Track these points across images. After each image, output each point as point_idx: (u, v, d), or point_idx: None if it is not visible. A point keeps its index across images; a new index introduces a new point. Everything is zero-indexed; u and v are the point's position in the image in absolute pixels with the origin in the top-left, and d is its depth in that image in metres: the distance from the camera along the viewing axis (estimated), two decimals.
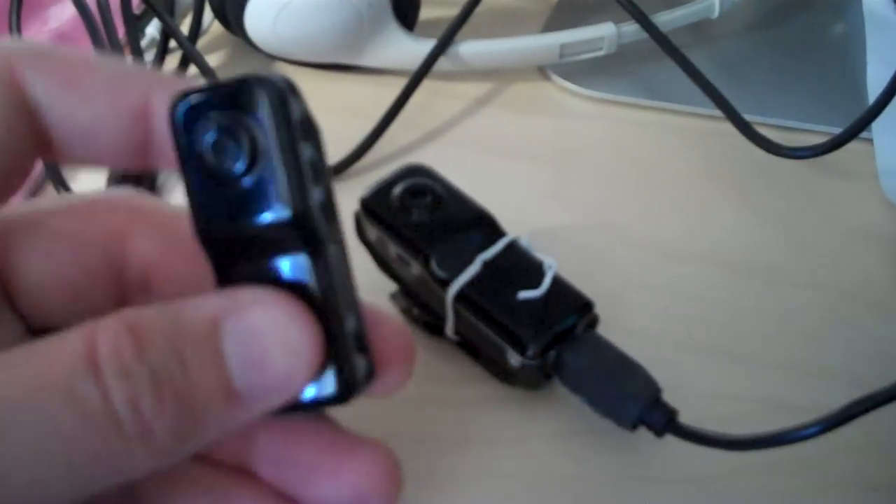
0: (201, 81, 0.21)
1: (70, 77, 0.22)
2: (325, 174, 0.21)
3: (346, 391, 0.21)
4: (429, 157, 0.36)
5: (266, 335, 0.20)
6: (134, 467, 0.19)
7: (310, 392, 0.21)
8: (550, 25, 0.53)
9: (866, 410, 0.28)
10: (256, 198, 0.20)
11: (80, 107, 0.22)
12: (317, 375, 0.21)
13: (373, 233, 0.34)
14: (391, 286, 0.36)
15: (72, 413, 0.18)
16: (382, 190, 0.34)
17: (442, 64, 0.47)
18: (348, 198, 0.35)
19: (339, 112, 0.48)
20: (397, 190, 0.34)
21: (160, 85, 0.22)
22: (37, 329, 0.23)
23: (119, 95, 0.22)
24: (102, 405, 0.18)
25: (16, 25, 0.46)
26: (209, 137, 0.20)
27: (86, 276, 0.23)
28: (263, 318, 0.20)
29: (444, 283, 0.32)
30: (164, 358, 0.19)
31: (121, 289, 0.24)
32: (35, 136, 0.22)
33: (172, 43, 0.49)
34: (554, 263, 0.32)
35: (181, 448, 0.19)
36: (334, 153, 0.43)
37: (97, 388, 0.18)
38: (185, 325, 0.20)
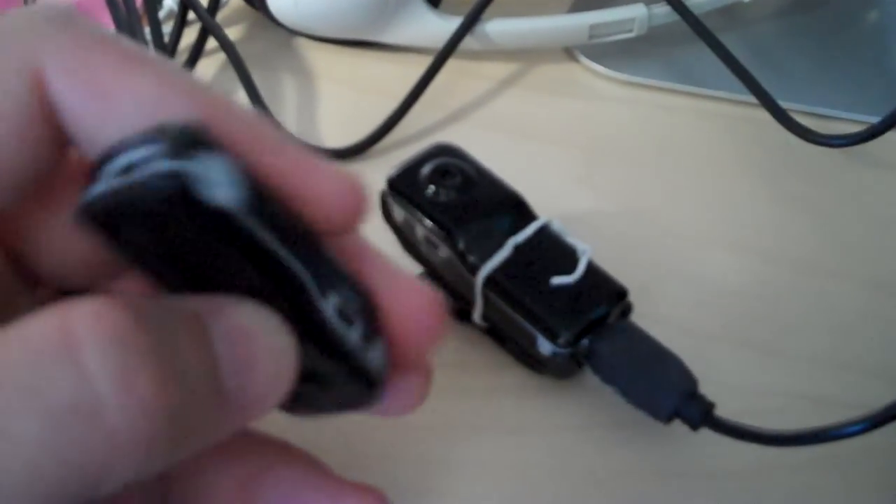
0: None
1: (103, 90, 0.19)
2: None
3: (367, 391, 0.20)
4: (453, 138, 0.35)
5: (256, 337, 0.19)
6: (117, 470, 0.16)
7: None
8: (579, 5, 0.51)
9: None
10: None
11: (110, 123, 0.19)
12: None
13: (399, 214, 0.33)
14: (417, 270, 0.35)
15: (34, 406, 0.15)
16: (410, 170, 0.33)
17: (468, 43, 0.46)
18: (372, 179, 0.34)
19: (362, 90, 0.46)
20: (425, 170, 0.33)
21: (204, 108, 0.20)
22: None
23: (155, 114, 0.19)
24: (77, 384, 0.16)
25: None
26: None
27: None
28: (253, 319, 0.19)
29: (474, 267, 0.31)
30: (159, 338, 0.17)
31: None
32: (58, 141, 0.20)
33: (191, 15, 0.48)
34: (588, 249, 0.31)
35: (171, 451, 0.17)
36: (356, 132, 0.43)
37: (72, 366, 0.16)
38: (176, 313, 0.18)
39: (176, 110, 0.19)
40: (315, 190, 0.21)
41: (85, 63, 0.19)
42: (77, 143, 0.20)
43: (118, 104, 0.19)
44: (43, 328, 0.16)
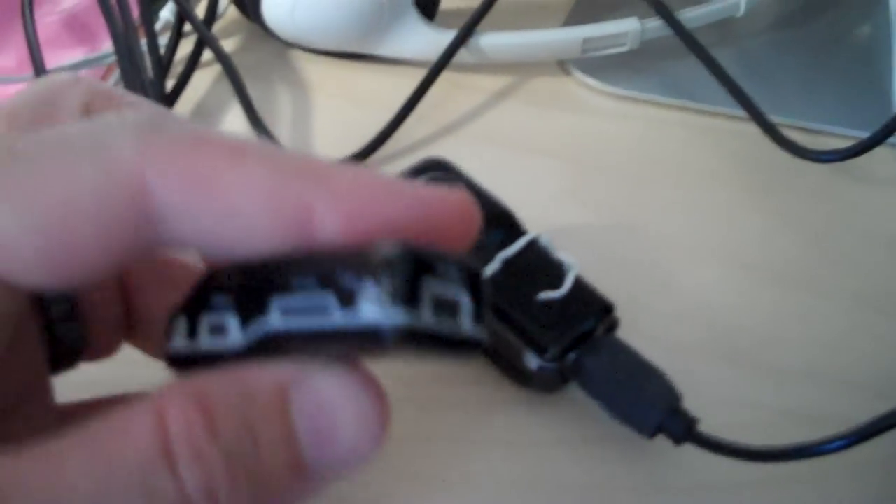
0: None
1: (211, 190, 0.19)
2: None
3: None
4: (446, 151, 0.35)
5: (337, 407, 0.19)
6: None
7: None
8: (572, 19, 0.52)
9: (893, 426, 0.27)
10: None
11: (220, 221, 0.19)
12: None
13: None
14: None
15: None
16: None
17: (461, 56, 0.46)
18: None
19: (356, 102, 0.47)
20: None
21: (325, 185, 0.19)
22: None
23: (272, 204, 0.19)
24: (178, 497, 0.17)
25: (28, 7, 0.46)
26: None
27: None
28: (334, 389, 0.19)
29: None
30: (236, 437, 0.18)
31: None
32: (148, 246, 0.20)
33: (187, 26, 0.48)
34: (575, 264, 0.32)
35: None
36: (351, 144, 0.43)
37: (172, 480, 0.17)
38: (255, 398, 0.18)
39: (290, 195, 0.19)
40: (446, 223, 0.20)
41: (189, 165, 0.19)
42: (180, 243, 0.20)
43: (231, 200, 0.19)
44: (145, 430, 0.17)
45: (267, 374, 0.19)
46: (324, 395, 0.19)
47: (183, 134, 0.19)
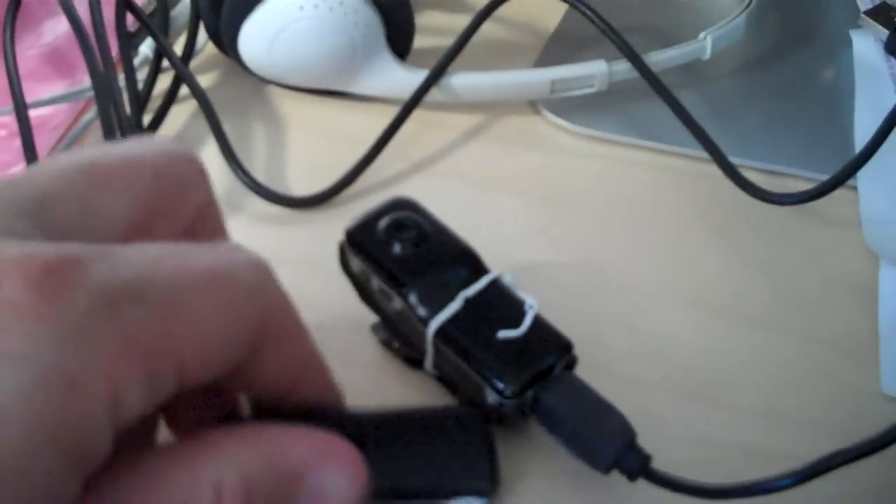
0: None
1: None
2: None
3: None
4: (417, 188, 0.36)
5: (331, 496, 0.22)
6: None
7: None
8: (543, 60, 0.53)
9: (841, 464, 0.28)
10: None
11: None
12: None
13: (356, 265, 0.34)
14: (372, 318, 0.36)
15: None
16: (368, 222, 0.34)
17: (433, 94, 0.47)
18: (334, 227, 0.35)
19: (330, 138, 0.48)
20: (382, 223, 0.34)
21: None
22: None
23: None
24: None
25: (9, 39, 0.46)
26: None
27: None
28: (333, 480, 0.23)
29: (424, 320, 0.32)
30: None
31: None
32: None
33: (165, 62, 0.49)
34: (535, 304, 0.32)
35: None
36: (323, 180, 0.44)
37: None
38: (282, 481, 0.22)
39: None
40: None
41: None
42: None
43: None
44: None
45: (297, 450, 0.22)
46: (325, 484, 0.22)
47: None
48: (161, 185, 0.24)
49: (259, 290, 0.23)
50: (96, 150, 0.24)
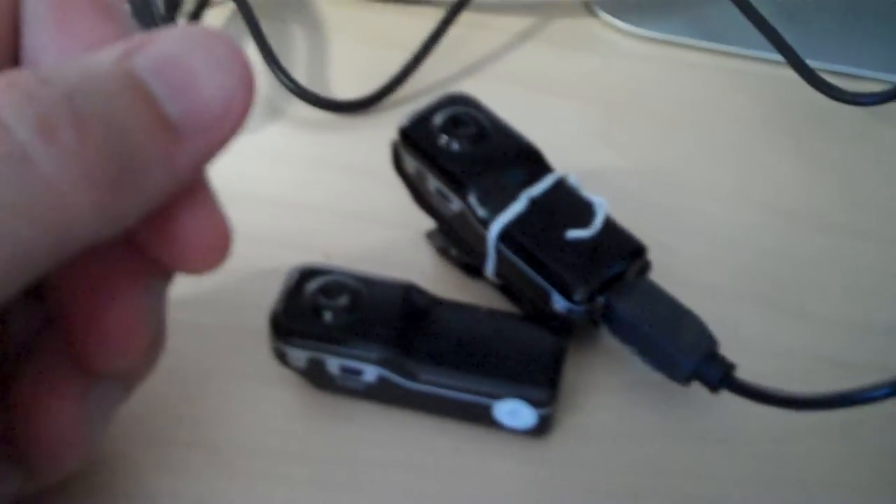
0: None
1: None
2: None
3: None
4: (467, 91, 0.34)
5: (186, 56, 0.19)
6: (76, 220, 0.17)
7: None
8: None
9: None
10: None
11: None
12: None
13: (411, 165, 0.32)
14: (427, 224, 0.34)
15: None
16: (423, 118, 0.32)
17: None
18: (382, 132, 0.33)
19: (374, 43, 0.45)
20: (438, 119, 0.32)
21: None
22: None
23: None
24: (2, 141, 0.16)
25: None
26: None
27: None
28: (177, 41, 0.19)
29: (486, 221, 0.30)
30: (79, 90, 0.17)
31: None
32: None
33: None
34: (605, 203, 0.30)
35: (126, 199, 0.18)
36: (367, 85, 0.41)
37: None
38: (95, 69, 0.18)
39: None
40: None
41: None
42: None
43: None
44: None
45: (106, 50, 0.19)
46: (168, 48, 0.19)
47: None
48: None
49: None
50: None
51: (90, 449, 0.23)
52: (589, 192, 0.31)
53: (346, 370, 0.29)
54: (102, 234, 0.18)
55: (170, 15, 0.43)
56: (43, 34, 0.20)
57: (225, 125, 0.19)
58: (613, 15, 0.46)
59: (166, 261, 0.21)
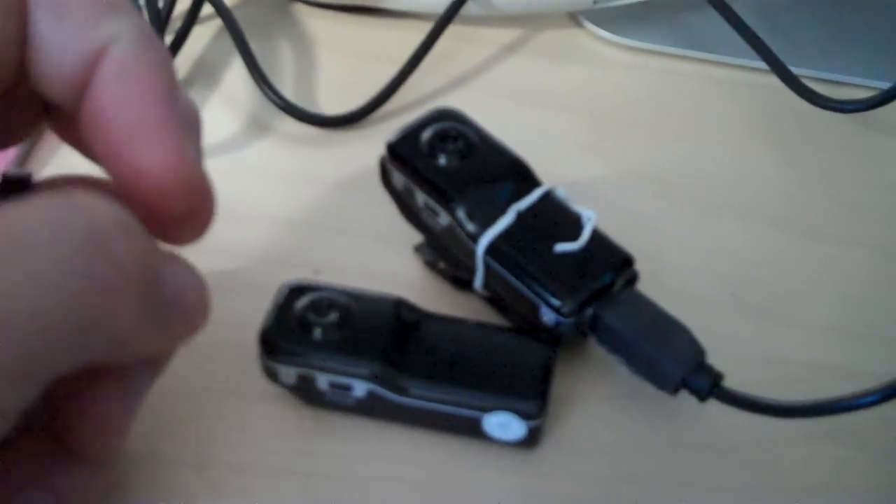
0: None
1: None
2: None
3: None
4: (454, 104, 0.34)
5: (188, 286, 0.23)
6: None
7: None
8: None
9: None
10: None
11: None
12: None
13: (399, 180, 0.32)
14: (415, 238, 0.34)
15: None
16: (410, 134, 0.32)
17: (469, 8, 0.45)
18: (369, 147, 0.34)
19: (361, 57, 0.45)
20: (426, 134, 0.32)
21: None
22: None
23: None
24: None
25: None
26: None
27: None
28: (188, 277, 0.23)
29: (474, 235, 0.30)
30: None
31: None
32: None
33: None
34: (593, 215, 0.30)
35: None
36: (355, 100, 0.41)
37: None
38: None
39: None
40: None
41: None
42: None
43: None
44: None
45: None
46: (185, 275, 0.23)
47: None
48: None
49: None
50: None
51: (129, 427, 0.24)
52: (577, 205, 0.31)
53: (336, 386, 0.29)
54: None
55: (157, 34, 0.43)
56: (47, 23, 0.22)
57: (194, 321, 0.24)
58: (600, 26, 0.46)
59: None
